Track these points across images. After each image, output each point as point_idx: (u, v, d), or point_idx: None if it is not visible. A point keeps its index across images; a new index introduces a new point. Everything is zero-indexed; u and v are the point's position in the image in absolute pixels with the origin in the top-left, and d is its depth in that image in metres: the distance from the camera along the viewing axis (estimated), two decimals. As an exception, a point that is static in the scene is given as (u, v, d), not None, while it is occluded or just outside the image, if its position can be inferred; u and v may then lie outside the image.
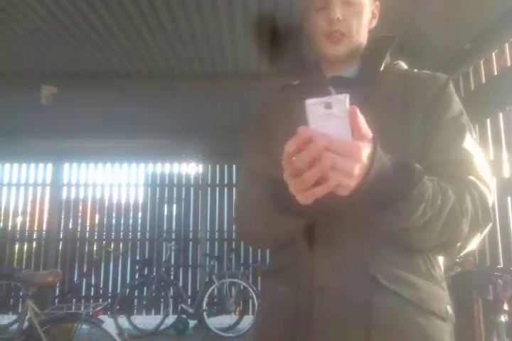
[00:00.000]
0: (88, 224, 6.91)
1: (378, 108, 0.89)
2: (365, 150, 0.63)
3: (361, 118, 0.63)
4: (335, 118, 0.62)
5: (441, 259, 0.92)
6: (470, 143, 0.89)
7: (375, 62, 0.98)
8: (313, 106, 0.63)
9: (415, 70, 1.03)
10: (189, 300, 5.96)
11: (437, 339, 0.83)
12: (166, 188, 6.89)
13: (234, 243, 6.55)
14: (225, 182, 6.76)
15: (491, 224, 0.82)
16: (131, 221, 6.96)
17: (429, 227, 0.75)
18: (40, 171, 7.01)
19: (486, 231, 0.81)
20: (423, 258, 0.86)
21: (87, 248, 6.76)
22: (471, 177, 0.82)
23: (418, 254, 0.85)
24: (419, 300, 0.82)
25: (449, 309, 0.87)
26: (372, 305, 0.80)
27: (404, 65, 1.06)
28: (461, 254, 0.88)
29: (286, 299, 0.89)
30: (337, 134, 0.62)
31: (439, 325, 0.84)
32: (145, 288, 6.03)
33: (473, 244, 0.82)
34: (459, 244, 0.80)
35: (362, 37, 0.98)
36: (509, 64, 2.79)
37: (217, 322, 5.49)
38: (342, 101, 0.63)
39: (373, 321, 0.80)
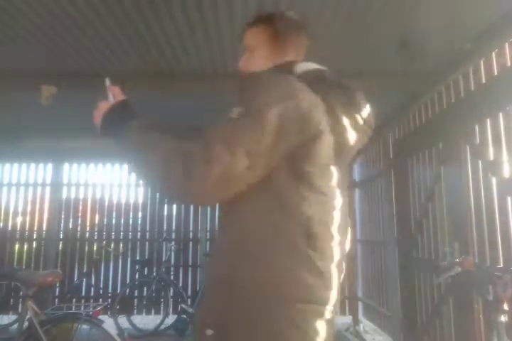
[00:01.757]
0: (88, 224, 6.91)
1: None
2: (106, 106, 1.22)
3: (116, 91, 1.26)
4: (110, 92, 1.25)
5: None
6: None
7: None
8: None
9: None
10: (189, 300, 5.96)
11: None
12: (166, 188, 6.88)
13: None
14: (225, 182, 6.75)
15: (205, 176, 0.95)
16: (131, 221, 6.96)
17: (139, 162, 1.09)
18: (40, 171, 7.02)
19: (199, 181, 0.96)
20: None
21: (87, 248, 6.76)
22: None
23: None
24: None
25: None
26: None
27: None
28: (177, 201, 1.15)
29: None
30: (110, 100, 1.24)
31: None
32: (145, 288, 6.04)
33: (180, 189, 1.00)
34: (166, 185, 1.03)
35: (257, 67, 1.28)
36: (509, 64, 2.79)
37: (217, 322, 5.48)
38: (106, 82, 1.28)
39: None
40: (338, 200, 1.14)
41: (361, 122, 1.22)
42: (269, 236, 1.02)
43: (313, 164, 1.07)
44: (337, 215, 1.12)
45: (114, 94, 1.24)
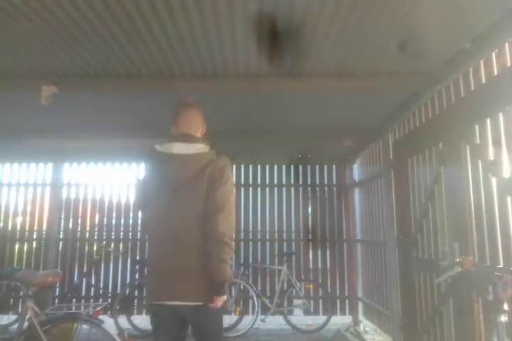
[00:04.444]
0: (88, 224, 6.91)
1: None
2: None
3: None
4: None
5: None
6: None
7: None
8: None
9: None
10: (189, 300, 5.94)
11: None
12: (166, 188, 6.87)
13: (233, 243, 6.54)
14: (225, 182, 6.74)
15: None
16: (131, 221, 6.96)
17: None
18: (40, 171, 7.02)
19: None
20: None
21: (87, 248, 6.76)
22: None
23: None
24: None
25: None
26: None
27: None
28: None
29: None
30: None
31: None
32: (145, 288, 6.03)
33: None
34: None
35: None
36: (509, 64, 2.79)
37: (217, 322, 5.47)
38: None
39: None
40: None
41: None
42: None
43: None
44: None
45: None
